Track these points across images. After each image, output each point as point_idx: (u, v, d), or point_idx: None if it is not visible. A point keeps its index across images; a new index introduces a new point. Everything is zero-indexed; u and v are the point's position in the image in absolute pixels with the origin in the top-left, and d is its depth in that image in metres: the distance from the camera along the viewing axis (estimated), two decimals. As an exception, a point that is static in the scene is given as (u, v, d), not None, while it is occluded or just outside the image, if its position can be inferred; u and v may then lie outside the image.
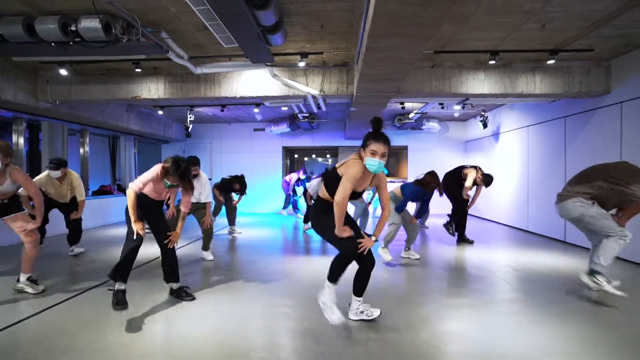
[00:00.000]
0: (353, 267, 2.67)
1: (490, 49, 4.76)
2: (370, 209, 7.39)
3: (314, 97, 5.95)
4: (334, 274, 2.56)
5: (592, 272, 3.14)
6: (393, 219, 4.51)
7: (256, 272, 4.14)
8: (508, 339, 2.49)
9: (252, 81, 5.73)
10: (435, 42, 4.56)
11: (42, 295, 3.26)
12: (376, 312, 2.73)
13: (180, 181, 2.94)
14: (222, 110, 8.31)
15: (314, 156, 14.06)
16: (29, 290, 3.31)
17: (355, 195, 2.56)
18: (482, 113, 8.29)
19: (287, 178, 9.03)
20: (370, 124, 2.46)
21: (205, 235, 4.72)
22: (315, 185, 7.18)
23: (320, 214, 2.65)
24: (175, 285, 3.24)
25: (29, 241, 3.32)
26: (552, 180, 6.32)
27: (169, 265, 3.20)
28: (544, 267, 4.42)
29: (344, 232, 2.46)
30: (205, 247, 4.75)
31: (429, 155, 10.39)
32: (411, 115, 8.78)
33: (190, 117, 8.55)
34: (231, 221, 6.74)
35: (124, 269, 2.91)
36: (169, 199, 3.44)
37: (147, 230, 2.96)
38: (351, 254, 2.50)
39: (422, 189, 4.56)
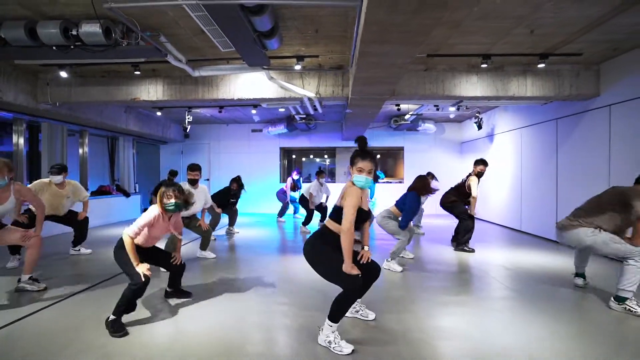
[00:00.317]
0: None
1: (482, 53, 4.87)
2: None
3: (310, 99, 6.05)
4: (340, 314, 2.37)
5: (621, 299, 3.03)
6: (400, 234, 4.39)
7: (253, 271, 4.24)
8: (498, 335, 2.60)
9: (249, 83, 5.83)
10: (428, 46, 4.67)
11: (44, 293, 3.36)
12: (371, 315, 2.85)
13: (181, 194, 2.85)
14: (220, 112, 8.41)
15: (311, 156, 14.15)
16: (30, 288, 3.39)
17: (365, 217, 2.51)
18: (477, 115, 8.42)
19: (285, 186, 8.74)
20: (356, 143, 2.54)
21: (203, 238, 4.80)
22: (314, 186, 7.29)
23: (320, 244, 2.48)
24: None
25: (32, 246, 3.41)
26: (544, 180, 6.44)
27: (178, 277, 3.27)
28: (535, 265, 4.54)
29: (353, 269, 2.29)
30: (204, 247, 4.84)
31: (425, 156, 10.51)
32: (407, 116, 8.90)
33: (188, 118, 8.63)
34: (231, 222, 6.87)
35: (130, 306, 2.70)
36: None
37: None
38: (359, 288, 2.34)
39: (416, 195, 4.47)
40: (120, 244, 2.79)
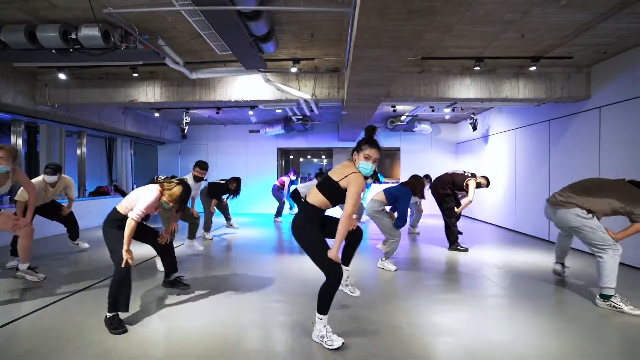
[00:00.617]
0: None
1: (475, 56, 4.97)
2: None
3: (306, 101, 6.13)
4: (326, 305, 2.41)
5: (606, 297, 3.07)
6: (394, 234, 4.38)
7: (250, 270, 4.32)
8: (488, 331, 2.68)
9: (246, 86, 5.91)
10: (423, 49, 4.76)
11: (43, 292, 3.42)
12: (357, 292, 3.16)
13: (181, 204, 2.93)
14: (217, 113, 8.48)
15: (309, 157, 14.24)
16: (29, 277, 3.45)
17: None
18: (472, 116, 8.52)
19: (278, 182, 8.88)
20: (365, 131, 2.61)
21: (191, 225, 4.83)
22: (311, 185, 7.36)
23: (308, 226, 2.51)
24: (172, 275, 3.45)
25: (21, 234, 3.47)
26: (537, 181, 6.55)
27: (168, 258, 3.40)
28: (527, 264, 4.64)
29: (337, 258, 2.36)
30: (191, 236, 4.85)
31: (422, 156, 10.61)
32: (403, 117, 9.00)
33: (186, 119, 8.68)
34: (227, 218, 6.94)
35: (123, 298, 2.69)
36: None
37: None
38: (341, 275, 2.39)
39: (410, 191, 4.49)
40: (111, 220, 2.92)
